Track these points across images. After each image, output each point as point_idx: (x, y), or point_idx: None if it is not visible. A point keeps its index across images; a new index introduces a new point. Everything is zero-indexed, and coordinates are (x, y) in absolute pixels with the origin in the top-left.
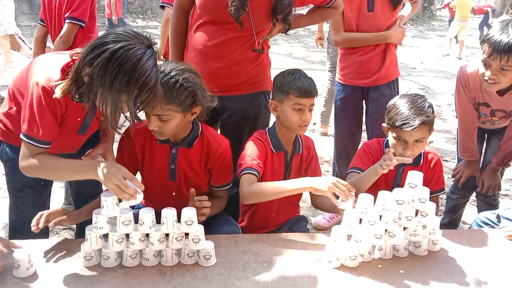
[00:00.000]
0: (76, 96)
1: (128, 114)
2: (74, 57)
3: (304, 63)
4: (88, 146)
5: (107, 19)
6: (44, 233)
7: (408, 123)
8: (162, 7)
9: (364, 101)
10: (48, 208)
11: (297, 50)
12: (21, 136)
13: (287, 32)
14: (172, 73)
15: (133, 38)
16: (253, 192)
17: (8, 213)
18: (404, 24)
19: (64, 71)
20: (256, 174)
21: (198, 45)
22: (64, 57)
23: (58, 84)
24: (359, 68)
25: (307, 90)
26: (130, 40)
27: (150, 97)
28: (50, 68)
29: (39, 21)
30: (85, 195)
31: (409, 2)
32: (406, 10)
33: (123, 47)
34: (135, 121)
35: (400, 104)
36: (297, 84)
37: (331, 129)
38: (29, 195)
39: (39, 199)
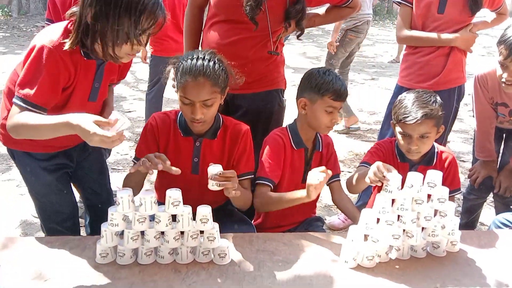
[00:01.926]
0: (85, 48)
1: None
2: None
3: (318, 62)
4: None
5: None
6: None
7: (410, 115)
8: None
9: None
10: (76, 203)
11: (310, 50)
12: (13, 99)
13: (299, 37)
14: (207, 57)
15: None
16: (261, 203)
17: (39, 220)
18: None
19: (66, 30)
20: (270, 184)
21: (212, 43)
22: (64, 22)
23: (62, 42)
24: (418, 70)
25: (343, 93)
26: None
27: (154, 18)
28: (50, 32)
29: (46, 22)
30: (92, 192)
31: (491, 11)
32: (487, 18)
33: None
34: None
35: (405, 99)
36: (334, 87)
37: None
38: (53, 196)
39: (65, 198)
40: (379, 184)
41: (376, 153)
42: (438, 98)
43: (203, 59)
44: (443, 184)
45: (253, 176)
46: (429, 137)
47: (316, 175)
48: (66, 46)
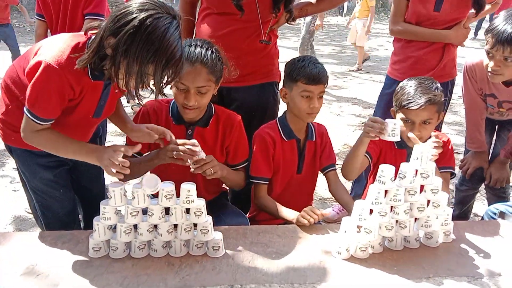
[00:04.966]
0: (96, 72)
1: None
2: (90, 34)
3: (312, 55)
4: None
5: None
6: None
7: (414, 101)
8: None
9: None
10: (75, 198)
11: None
12: (24, 109)
13: (290, 22)
14: (206, 45)
15: (159, 7)
16: (259, 206)
17: (39, 217)
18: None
19: (75, 48)
20: (265, 181)
21: (205, 36)
22: (73, 38)
23: (69, 62)
24: (412, 64)
25: (316, 77)
26: (157, 9)
27: (177, 69)
28: (57, 48)
29: (37, 17)
30: (87, 187)
31: (488, 4)
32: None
33: (151, 16)
34: (160, 94)
35: (407, 85)
36: (305, 71)
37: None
38: (52, 191)
39: (63, 193)
40: (380, 135)
41: (372, 140)
42: (438, 84)
43: (201, 46)
44: (440, 162)
45: (247, 162)
46: (431, 123)
47: (308, 215)
48: (78, 66)
